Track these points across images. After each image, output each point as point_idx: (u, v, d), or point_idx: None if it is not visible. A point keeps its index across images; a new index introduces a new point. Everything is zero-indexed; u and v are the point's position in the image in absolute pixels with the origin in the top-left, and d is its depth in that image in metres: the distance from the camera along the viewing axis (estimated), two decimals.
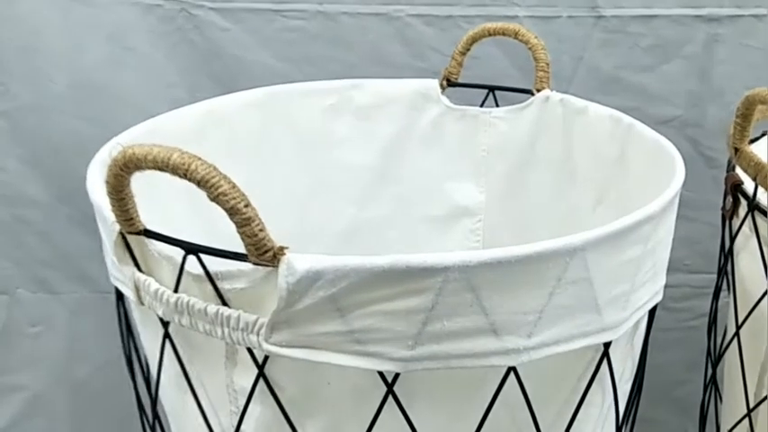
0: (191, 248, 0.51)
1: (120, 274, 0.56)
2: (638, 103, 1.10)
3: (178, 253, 0.52)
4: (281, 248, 0.48)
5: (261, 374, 0.52)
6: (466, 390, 0.55)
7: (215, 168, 0.47)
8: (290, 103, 0.89)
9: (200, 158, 0.47)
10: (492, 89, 0.90)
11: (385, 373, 0.51)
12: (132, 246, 0.55)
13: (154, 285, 0.53)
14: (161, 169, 0.47)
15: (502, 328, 0.50)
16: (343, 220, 0.93)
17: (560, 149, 0.84)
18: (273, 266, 0.48)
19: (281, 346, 0.50)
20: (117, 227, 0.53)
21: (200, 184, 0.46)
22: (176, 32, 1.05)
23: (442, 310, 0.49)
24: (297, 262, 0.47)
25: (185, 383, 0.57)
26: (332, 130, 0.91)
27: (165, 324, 0.55)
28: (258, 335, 0.50)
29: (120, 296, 0.62)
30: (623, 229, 0.53)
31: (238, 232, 0.47)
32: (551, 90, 0.86)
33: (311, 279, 0.48)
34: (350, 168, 0.92)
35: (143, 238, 0.54)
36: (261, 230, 0.47)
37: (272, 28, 1.05)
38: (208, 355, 0.56)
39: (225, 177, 0.46)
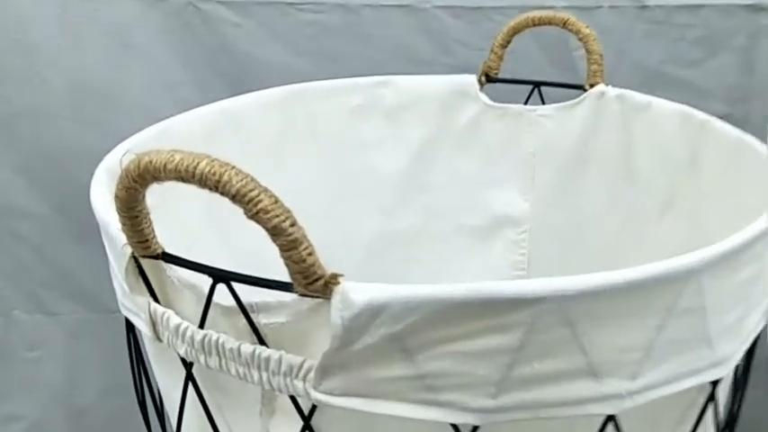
0: (220, 276, 0.42)
1: (133, 305, 0.47)
2: (684, 99, 1.01)
3: (205, 281, 0.43)
4: (335, 276, 0.39)
5: (307, 427, 0.43)
6: None
7: (253, 179, 0.37)
8: (312, 103, 0.80)
9: (234, 167, 0.38)
10: (537, 85, 0.81)
11: (460, 427, 0.42)
12: (147, 271, 0.46)
13: (174, 320, 0.44)
14: (185, 180, 0.38)
15: (602, 369, 0.41)
16: (370, 231, 0.84)
17: (618, 150, 0.76)
18: (325, 298, 0.39)
19: (334, 394, 0.41)
20: (129, 250, 0.44)
21: (236, 198, 0.37)
22: (183, 28, 0.96)
23: (532, 350, 0.40)
24: (354, 293, 0.38)
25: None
26: (358, 132, 0.82)
27: (189, 365, 0.46)
28: (305, 380, 0.41)
29: (130, 327, 0.53)
30: (740, 247, 0.44)
31: (283, 257, 0.38)
32: (606, 85, 0.77)
33: (372, 313, 0.39)
34: (378, 174, 0.83)
35: (161, 263, 0.44)
36: (310, 254, 0.38)
37: (286, 22, 0.96)
38: (240, 401, 0.47)
39: (266, 191, 0.37)
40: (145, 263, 0.45)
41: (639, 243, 0.75)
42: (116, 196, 0.41)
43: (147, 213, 0.42)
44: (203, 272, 0.42)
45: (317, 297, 0.39)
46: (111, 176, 0.56)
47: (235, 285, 0.42)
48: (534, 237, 0.82)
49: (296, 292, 0.39)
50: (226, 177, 0.37)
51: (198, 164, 0.37)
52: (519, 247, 0.83)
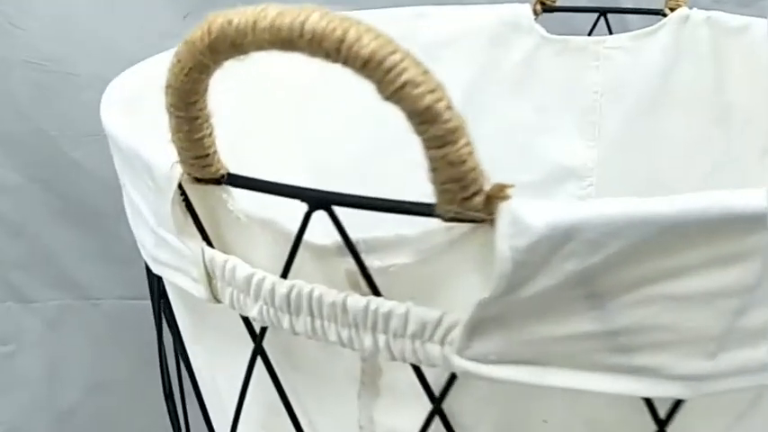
0: (320, 199, 0.29)
1: (176, 257, 0.35)
2: None
3: (291, 210, 0.30)
4: (502, 188, 0.27)
5: (437, 412, 0.31)
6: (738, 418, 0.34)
7: (391, 39, 0.25)
8: None
9: (357, 21, 0.25)
10: (604, 12, 0.70)
11: (657, 403, 0.30)
12: (198, 206, 0.33)
13: (244, 269, 0.32)
14: (286, 46, 0.25)
15: None
16: (408, 189, 0.71)
17: (708, 84, 0.65)
18: (485, 220, 0.27)
19: (487, 361, 0.29)
20: (178, 171, 0.32)
21: (368, 66, 0.25)
22: None
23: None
24: (531, 211, 0.26)
25: (282, 425, 0.36)
26: None
27: (260, 333, 0.33)
28: (443, 343, 0.29)
29: (161, 292, 0.40)
30: None
31: (430, 158, 0.26)
32: (690, 8, 0.65)
33: (556, 242, 0.27)
34: None
35: (224, 189, 0.32)
36: (470, 153, 0.26)
37: None
38: (329, 380, 0.34)
39: (410, 55, 0.25)
40: (196, 192, 0.33)
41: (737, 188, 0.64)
42: (169, 86, 0.28)
43: (211, 115, 0.30)
44: (291, 195, 0.30)
45: (473, 220, 0.27)
46: (128, 102, 0.44)
47: (339, 211, 0.30)
48: (602, 191, 0.71)
49: (440, 215, 0.27)
50: (353, 34, 0.24)
51: (307, 18, 0.25)
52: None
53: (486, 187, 0.27)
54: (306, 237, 0.31)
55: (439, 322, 0.29)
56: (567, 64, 0.70)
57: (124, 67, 0.62)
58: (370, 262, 0.30)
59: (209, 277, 0.33)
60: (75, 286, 0.87)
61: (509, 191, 0.27)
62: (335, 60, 0.25)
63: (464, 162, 0.25)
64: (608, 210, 0.27)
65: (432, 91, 0.25)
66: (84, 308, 0.87)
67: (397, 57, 0.24)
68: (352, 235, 0.30)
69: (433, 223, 0.29)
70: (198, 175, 0.31)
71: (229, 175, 0.31)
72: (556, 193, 0.72)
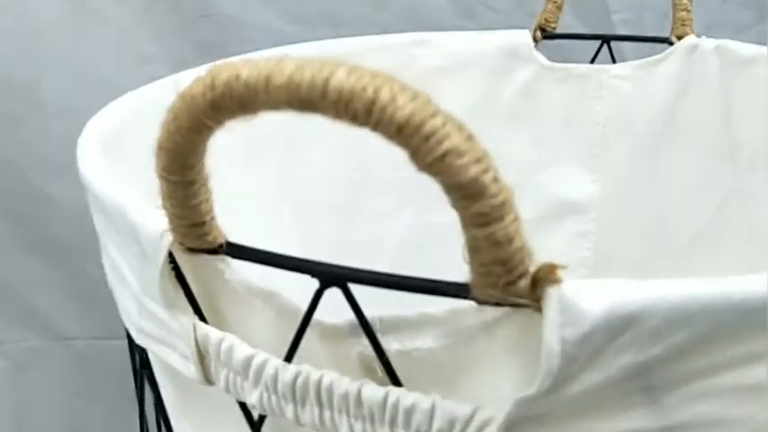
0: (333, 275, 0.25)
1: (162, 329, 0.31)
2: None
3: (297, 279, 0.26)
4: (552, 269, 0.23)
5: None
6: None
7: (430, 99, 0.22)
8: None
9: (392, 77, 0.22)
10: (607, 39, 0.66)
11: None
12: (190, 277, 0.29)
13: (243, 350, 0.28)
14: (305, 107, 0.21)
15: None
16: (399, 228, 0.68)
17: (716, 117, 0.62)
18: (532, 305, 0.23)
19: None
20: (169, 239, 0.28)
21: (404, 132, 0.21)
22: None
23: None
24: (585, 296, 0.23)
25: None
26: None
27: (257, 421, 0.29)
28: None
29: (144, 364, 0.36)
30: None
31: (471, 236, 0.22)
32: (699, 36, 0.62)
33: (614, 330, 0.23)
34: (405, 159, 0.66)
35: (221, 260, 0.28)
36: (518, 231, 0.22)
37: None
38: None
39: (453, 120, 0.21)
40: (189, 260, 0.29)
41: (742, 234, 0.61)
42: (161, 146, 0.24)
43: (208, 178, 0.26)
44: (299, 270, 0.26)
45: (517, 304, 0.23)
46: (107, 142, 0.40)
47: (354, 288, 0.26)
48: (604, 227, 0.67)
49: (476, 298, 0.24)
50: (386, 94, 0.21)
51: (332, 73, 0.21)
52: (585, 239, 0.68)
53: (533, 268, 0.23)
54: (315, 315, 0.27)
55: (470, 419, 0.25)
56: (568, 93, 0.66)
57: (98, 94, 0.57)
58: (389, 344, 0.27)
59: (202, 356, 0.29)
60: (46, 325, 0.82)
61: (560, 272, 0.23)
62: (365, 124, 0.21)
63: (511, 241, 0.22)
64: (675, 293, 0.23)
65: (477, 161, 0.21)
66: (56, 349, 0.82)
67: (437, 121, 0.20)
68: (367, 311, 0.27)
69: (463, 302, 0.25)
70: (192, 245, 0.27)
71: (228, 244, 0.27)
72: (556, 228, 0.68)
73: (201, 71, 0.54)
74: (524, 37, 0.66)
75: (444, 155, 0.20)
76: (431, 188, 0.72)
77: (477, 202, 0.21)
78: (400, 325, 0.27)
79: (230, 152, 0.62)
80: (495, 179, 0.21)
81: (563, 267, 0.23)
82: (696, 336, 0.23)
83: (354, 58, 0.67)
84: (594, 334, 0.23)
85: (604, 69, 0.65)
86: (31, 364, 0.83)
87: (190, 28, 0.80)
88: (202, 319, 0.30)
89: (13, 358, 0.83)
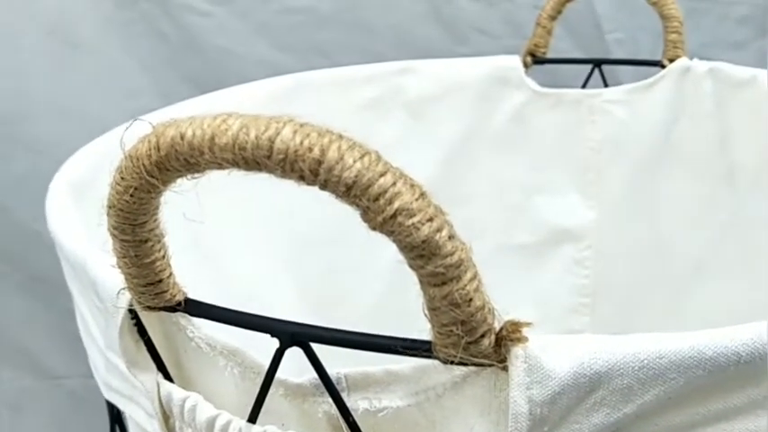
0: (294, 334, 0.24)
1: (127, 385, 0.30)
2: None
3: (260, 344, 0.25)
4: (516, 327, 0.22)
5: None
6: None
7: (379, 156, 0.21)
8: (316, 97, 0.63)
9: (342, 135, 0.21)
10: (599, 63, 0.65)
11: None
12: (153, 332, 0.28)
13: (206, 410, 0.27)
14: (251, 165, 0.21)
15: None
16: (391, 257, 0.67)
17: (712, 141, 0.60)
18: (495, 364, 0.22)
19: None
20: (126, 299, 0.27)
21: (352, 191, 0.20)
22: (140, 21, 0.78)
23: None
24: (552, 355, 0.22)
25: None
26: (374, 132, 0.64)
27: None
28: None
29: (116, 418, 0.35)
30: None
31: (428, 296, 0.21)
32: (691, 58, 0.61)
33: (584, 390, 0.22)
34: None
35: (183, 317, 0.27)
36: (478, 290, 0.21)
37: (268, 10, 0.80)
38: None
39: (404, 176, 0.20)
40: (151, 318, 0.28)
41: (744, 261, 0.59)
42: (111, 205, 0.23)
43: (163, 235, 0.25)
44: (260, 329, 0.25)
45: (481, 363, 0.22)
46: (77, 191, 0.39)
47: (316, 348, 0.25)
48: (601, 254, 0.66)
49: (439, 357, 0.23)
50: (333, 153, 0.20)
51: (278, 133, 0.20)
52: (582, 267, 0.67)
53: (497, 326, 0.22)
54: (279, 372, 0.26)
55: None
56: (560, 119, 0.65)
57: (84, 129, 0.57)
58: (355, 403, 0.26)
59: (167, 415, 0.28)
60: (37, 364, 0.81)
61: (525, 330, 0.22)
62: (312, 184, 0.20)
63: (470, 301, 0.21)
64: (645, 350, 0.22)
65: (429, 219, 0.20)
66: (48, 388, 0.81)
67: (387, 180, 0.20)
68: (336, 364, 0.26)
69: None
70: (149, 304, 0.26)
71: (187, 301, 0.26)
72: (552, 256, 0.67)
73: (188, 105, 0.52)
74: (514, 62, 0.65)
75: (395, 215, 0.19)
76: None
77: (431, 262, 0.20)
78: (366, 383, 0.25)
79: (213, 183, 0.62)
80: (450, 237, 0.20)
81: (527, 325, 0.22)
82: (670, 393, 0.22)
83: (344, 87, 0.66)
84: (563, 394, 0.22)
85: (596, 94, 0.64)
86: (23, 404, 0.82)
87: (178, 60, 0.79)
88: (167, 375, 0.29)
89: (6, 400, 0.82)
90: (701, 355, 0.22)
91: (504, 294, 0.69)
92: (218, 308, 0.26)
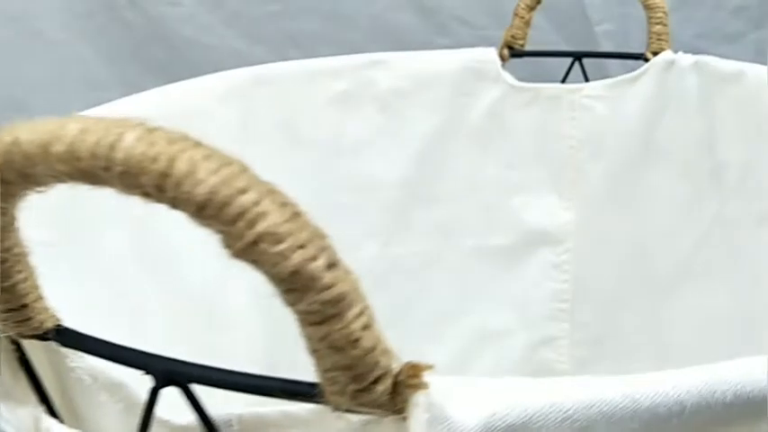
0: (169, 374, 0.21)
1: (8, 418, 0.26)
2: None
3: (140, 382, 0.22)
4: (415, 371, 0.18)
5: None
6: None
7: (244, 168, 0.17)
8: (284, 90, 0.59)
9: (195, 141, 0.17)
10: (579, 56, 0.62)
11: None
12: (38, 362, 0.25)
13: None
14: (91, 177, 0.17)
15: None
16: (361, 259, 0.63)
17: (697, 139, 0.57)
18: (393, 414, 0.19)
19: None
20: None
21: (204, 212, 0.16)
22: (104, 10, 0.75)
23: None
24: (457, 405, 0.18)
25: None
26: (343, 128, 0.61)
27: None
28: None
29: None
30: None
31: (305, 334, 0.18)
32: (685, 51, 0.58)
33: None
34: (370, 183, 0.62)
35: (54, 346, 0.24)
36: (367, 328, 0.18)
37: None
38: None
39: (274, 195, 0.17)
40: (33, 346, 0.24)
41: (728, 263, 0.56)
42: None
43: (25, 254, 0.22)
44: (133, 365, 0.21)
45: (376, 412, 0.19)
46: None
47: (197, 389, 0.21)
48: (581, 257, 0.63)
49: (330, 404, 0.19)
50: (183, 165, 0.16)
51: (118, 140, 0.16)
52: (560, 271, 0.63)
53: (395, 368, 0.19)
54: (161, 412, 0.22)
55: None
56: (538, 115, 0.62)
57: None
58: None
59: None
60: None
61: (426, 375, 0.18)
62: (160, 201, 0.17)
63: (355, 342, 0.17)
64: (572, 398, 0.19)
65: (302, 246, 0.16)
66: None
67: (249, 198, 0.16)
68: (224, 409, 0.22)
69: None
70: (15, 331, 0.23)
71: (59, 329, 0.23)
72: (530, 259, 0.64)
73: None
74: (490, 55, 0.62)
75: (257, 240, 0.16)
76: (401, 213, 0.68)
77: (304, 298, 0.16)
78: (261, 426, 0.22)
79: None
80: (330, 266, 0.17)
81: (429, 368, 0.18)
82: None
83: (312, 80, 0.62)
84: None
85: (576, 89, 0.61)
86: None
87: (144, 51, 0.76)
88: (50, 409, 0.25)
89: None
90: (637, 405, 0.18)
91: (479, 300, 0.66)
92: (91, 338, 0.22)
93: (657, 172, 0.59)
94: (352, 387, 0.18)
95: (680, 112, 0.57)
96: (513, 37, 0.62)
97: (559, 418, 0.18)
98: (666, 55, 0.58)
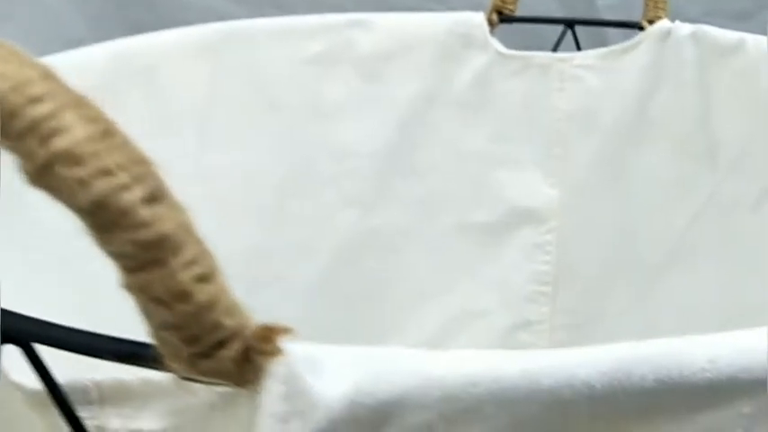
0: (12, 330, 0.18)
1: None
2: None
3: None
4: (270, 332, 0.15)
5: None
6: None
7: (49, 75, 0.14)
8: (256, 49, 0.56)
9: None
10: (571, 23, 0.58)
11: None
12: None
13: None
14: None
15: None
16: (338, 231, 0.61)
17: (693, 113, 0.54)
18: (245, 386, 0.16)
19: None
20: None
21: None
22: None
23: None
24: (321, 375, 0.15)
25: None
26: (320, 92, 0.58)
27: None
28: None
29: None
30: None
31: (128, 286, 0.15)
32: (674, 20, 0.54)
33: (366, 424, 0.15)
34: (349, 152, 0.59)
35: None
36: (202, 280, 0.15)
37: None
38: None
39: (85, 108, 0.14)
40: None
41: (719, 248, 0.53)
42: None
43: None
44: None
45: (226, 384, 0.16)
46: None
47: (42, 349, 0.18)
48: (565, 238, 0.59)
49: (169, 370, 0.16)
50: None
51: None
52: (543, 252, 0.60)
53: (247, 330, 0.15)
54: (16, 375, 0.19)
55: None
56: (527, 85, 0.58)
57: None
58: (107, 420, 0.19)
59: None
60: None
61: (283, 338, 0.15)
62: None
63: (184, 297, 0.14)
64: (456, 373, 0.15)
65: (108, 172, 0.13)
66: None
67: (44, 108, 0.13)
68: (83, 372, 0.19)
69: None
70: None
71: None
72: (511, 238, 0.61)
73: None
74: (478, 19, 0.58)
75: (52, 161, 0.13)
76: (380, 184, 0.65)
77: (114, 237, 0.13)
78: (122, 395, 0.19)
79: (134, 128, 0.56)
80: (151, 200, 0.14)
81: (286, 331, 0.15)
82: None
83: (288, 39, 0.59)
84: (337, 430, 0.15)
85: (567, 58, 0.57)
86: None
87: (121, 8, 0.73)
88: None
89: None
90: (535, 385, 0.15)
91: (457, 278, 0.63)
92: None
93: (649, 149, 0.55)
94: (189, 351, 0.15)
95: (676, 85, 0.54)
96: (502, 1, 0.58)
97: (439, 397, 0.15)
98: (663, 24, 0.54)
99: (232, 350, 0.15)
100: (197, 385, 0.17)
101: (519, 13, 0.60)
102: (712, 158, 0.53)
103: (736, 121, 0.52)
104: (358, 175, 0.60)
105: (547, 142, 0.59)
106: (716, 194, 0.53)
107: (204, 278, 0.15)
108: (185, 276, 0.14)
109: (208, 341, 0.15)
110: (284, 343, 0.15)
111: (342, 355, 0.16)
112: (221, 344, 0.15)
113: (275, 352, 0.15)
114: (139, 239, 0.14)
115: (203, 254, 0.15)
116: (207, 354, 0.15)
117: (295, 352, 0.15)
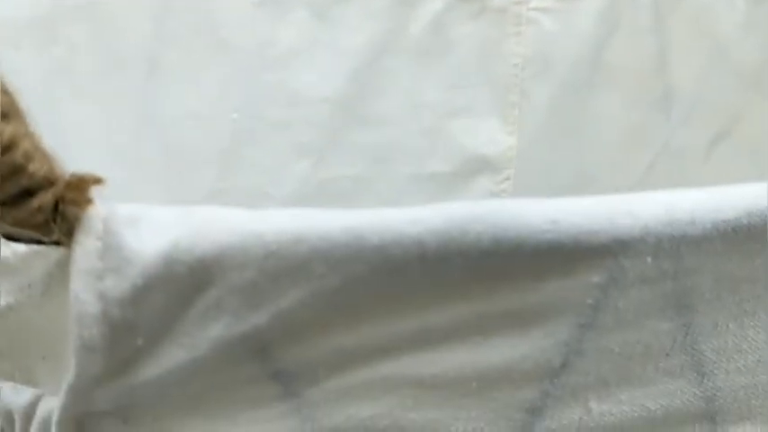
0: None
1: None
2: None
3: None
4: (82, 182, 0.14)
5: None
6: None
7: None
8: None
9: None
10: None
11: None
12: None
13: None
14: None
15: None
16: (289, 181, 0.60)
17: (649, 57, 0.53)
18: (62, 240, 0.15)
19: None
20: None
21: None
22: None
23: None
24: (137, 228, 0.14)
25: None
26: (270, 36, 0.57)
27: None
28: None
29: None
30: None
31: None
32: None
33: (187, 281, 0.14)
34: (300, 99, 0.58)
35: None
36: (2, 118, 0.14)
37: None
38: None
39: None
40: None
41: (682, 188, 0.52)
42: None
43: None
44: None
45: (40, 237, 0.15)
46: None
47: None
48: (521, 186, 0.59)
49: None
50: None
51: None
52: (499, 200, 0.59)
53: (59, 181, 0.14)
54: None
55: (30, 411, 0.17)
56: (483, 30, 0.57)
57: None
58: None
59: None
60: None
61: (95, 189, 0.14)
62: None
63: None
64: (278, 229, 0.14)
65: None
66: None
67: None
68: None
69: None
70: None
71: None
72: (467, 187, 0.60)
73: None
74: None
75: None
76: (334, 133, 0.63)
77: None
78: None
79: (69, 73, 0.55)
80: None
81: (98, 181, 0.14)
82: (326, 298, 0.15)
83: None
84: (152, 289, 0.14)
85: (523, 1, 0.56)
86: None
87: None
88: None
89: None
90: (361, 243, 0.14)
91: None
92: None
93: (604, 96, 0.54)
94: None
95: (633, 28, 0.53)
96: None
97: (261, 254, 0.14)
98: None
99: (41, 199, 0.14)
100: (36, 260, 0.16)
101: None
102: (668, 104, 0.52)
103: (691, 67, 0.51)
104: (311, 123, 0.59)
105: (503, 88, 0.57)
106: (669, 142, 0.52)
107: (13, 115, 0.14)
108: None
109: (12, 186, 0.14)
110: (96, 194, 0.14)
111: (163, 213, 0.15)
112: (30, 192, 0.14)
113: (86, 201, 0.14)
114: None
115: (12, 98, 0.14)
116: (14, 202, 0.14)
117: (114, 210, 0.15)
